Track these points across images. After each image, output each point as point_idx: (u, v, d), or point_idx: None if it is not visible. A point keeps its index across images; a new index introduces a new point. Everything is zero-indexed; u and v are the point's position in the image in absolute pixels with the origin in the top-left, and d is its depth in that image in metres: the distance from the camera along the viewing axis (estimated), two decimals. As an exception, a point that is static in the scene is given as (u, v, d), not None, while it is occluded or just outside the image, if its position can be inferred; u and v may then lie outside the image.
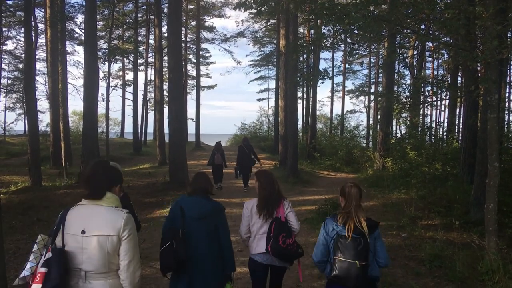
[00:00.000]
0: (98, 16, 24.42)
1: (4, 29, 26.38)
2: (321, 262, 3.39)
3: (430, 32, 10.23)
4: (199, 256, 3.55)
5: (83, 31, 17.43)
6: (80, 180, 2.50)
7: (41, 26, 23.11)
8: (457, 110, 24.45)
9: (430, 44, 19.11)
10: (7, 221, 9.07)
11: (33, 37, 13.67)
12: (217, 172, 13.59)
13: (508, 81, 24.57)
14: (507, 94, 24.98)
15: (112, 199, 2.73)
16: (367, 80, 41.77)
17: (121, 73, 38.29)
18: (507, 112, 19.03)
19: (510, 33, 9.36)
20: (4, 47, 30.22)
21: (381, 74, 27.99)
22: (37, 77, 25.69)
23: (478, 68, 9.81)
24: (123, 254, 2.61)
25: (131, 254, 2.64)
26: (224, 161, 13.73)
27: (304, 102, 32.24)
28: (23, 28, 17.46)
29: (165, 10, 23.27)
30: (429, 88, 23.53)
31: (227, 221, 3.82)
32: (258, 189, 4.19)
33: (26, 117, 20.88)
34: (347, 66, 36.05)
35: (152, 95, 32.57)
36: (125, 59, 33.60)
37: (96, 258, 2.55)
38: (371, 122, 37.41)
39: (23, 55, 20.28)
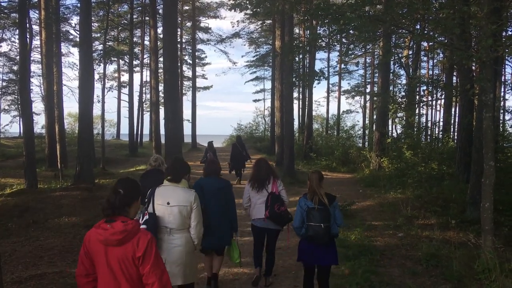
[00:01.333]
0: (93, 18, 24.29)
1: (-2, 31, 26.26)
2: (299, 227, 4.78)
3: (425, 31, 10.25)
4: (216, 220, 5.05)
5: (78, 32, 17.39)
6: (166, 170, 3.23)
7: (35, 27, 23.04)
8: (453, 109, 24.57)
9: (425, 44, 19.17)
10: (3, 223, 9.03)
11: (28, 39, 13.61)
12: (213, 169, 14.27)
13: (503, 80, 24.71)
14: (502, 93, 25.11)
15: (184, 183, 4.25)
16: (363, 80, 41.85)
17: (116, 75, 38.16)
18: (502, 111, 19.12)
19: (504, 32, 9.41)
20: (-2, 49, 30.12)
21: (377, 74, 28.09)
22: (32, 79, 25.56)
23: (473, 67, 9.85)
24: (193, 218, 4.13)
25: (198, 218, 4.16)
26: (216, 159, 13.80)
27: (300, 102, 32.27)
28: (17, 30, 17.41)
29: (160, 11, 23.25)
30: (425, 87, 23.63)
31: (234, 195, 5.39)
32: (253, 170, 5.95)
33: (21, 119, 20.82)
34: (342, 66, 36.10)
35: (148, 96, 32.61)
36: (120, 60, 33.53)
37: (177, 220, 4.04)
38: (367, 122, 37.50)
39: (18, 57, 20.23)
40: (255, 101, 44.70)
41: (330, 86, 39.29)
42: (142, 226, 3.59)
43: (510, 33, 10.26)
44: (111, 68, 37.85)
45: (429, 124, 28.64)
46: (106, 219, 2.68)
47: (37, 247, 7.60)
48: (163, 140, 15.61)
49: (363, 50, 30.90)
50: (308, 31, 24.49)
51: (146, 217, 4.03)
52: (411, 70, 19.36)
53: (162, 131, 15.05)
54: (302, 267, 5.14)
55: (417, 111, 20.56)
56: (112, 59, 28.29)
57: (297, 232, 4.85)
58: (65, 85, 21.68)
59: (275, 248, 5.88)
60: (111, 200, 2.71)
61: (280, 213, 5.53)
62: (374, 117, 26.12)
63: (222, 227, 5.17)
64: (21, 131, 20.82)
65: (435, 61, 32.26)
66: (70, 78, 39.89)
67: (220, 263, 5.50)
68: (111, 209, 2.69)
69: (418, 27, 12.50)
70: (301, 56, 27.61)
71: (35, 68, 31.67)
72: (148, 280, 2.59)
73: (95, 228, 2.68)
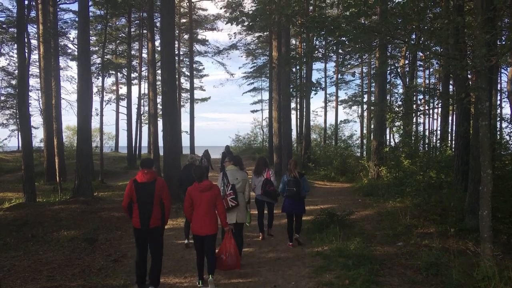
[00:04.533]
0: (91, 31, 24.50)
1: (-3, 46, 26.34)
2: (282, 190, 8.30)
3: (420, 42, 10.36)
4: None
5: (76, 46, 17.45)
6: (232, 160, 8.07)
7: (34, 42, 23.11)
8: (450, 118, 24.63)
9: (421, 54, 19.32)
10: (2, 238, 9.01)
11: (26, 53, 13.64)
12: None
13: (499, 88, 24.85)
14: (498, 102, 25.24)
15: (241, 168, 7.73)
16: (360, 90, 42.04)
17: (114, 87, 38.31)
18: (498, 119, 19.21)
19: (498, 41, 9.51)
20: (-3, 64, 30.17)
21: (373, 84, 28.23)
22: (30, 93, 25.70)
23: (469, 76, 9.93)
24: (247, 187, 7.42)
25: (248, 187, 7.48)
26: (210, 164, 17.83)
27: (298, 112, 32.36)
28: (16, 44, 17.47)
29: (158, 24, 23.40)
30: (421, 96, 23.79)
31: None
32: (255, 164, 9.21)
33: (19, 133, 20.78)
34: (339, 76, 36.27)
35: (146, 108, 32.61)
36: (118, 73, 33.68)
37: (241, 187, 7.26)
38: (364, 131, 37.54)
39: (16, 71, 20.27)
40: (253, 111, 44.82)
41: (328, 96, 39.56)
42: (230, 191, 7.04)
43: (504, 42, 10.36)
44: (109, 81, 38.18)
45: (427, 133, 28.68)
46: (198, 181, 6.14)
47: (36, 261, 7.58)
48: (161, 152, 15.62)
49: (359, 61, 31.17)
50: (304, 43, 24.66)
51: (230, 186, 7.06)
52: (407, 80, 19.49)
53: (161, 143, 15.08)
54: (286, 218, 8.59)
55: (414, 120, 20.69)
56: (110, 72, 28.33)
57: (281, 193, 8.43)
58: (63, 98, 21.80)
59: (273, 213, 9.44)
60: (201, 174, 6.21)
61: (270, 191, 8.70)
62: (372, 126, 26.18)
63: (241, 205, 7.56)
64: (20, 145, 20.77)
65: (431, 70, 32.47)
66: (69, 92, 40.23)
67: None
68: (201, 178, 6.17)
69: (413, 37, 12.64)
70: (298, 67, 27.83)
71: (34, 82, 31.81)
72: (217, 205, 6.12)
73: (194, 186, 6.16)
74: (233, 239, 6.38)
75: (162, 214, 6.03)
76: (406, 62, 20.98)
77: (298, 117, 31.99)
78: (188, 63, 37.74)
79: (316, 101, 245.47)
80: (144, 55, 31.01)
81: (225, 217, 6.29)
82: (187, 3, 34.57)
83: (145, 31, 27.94)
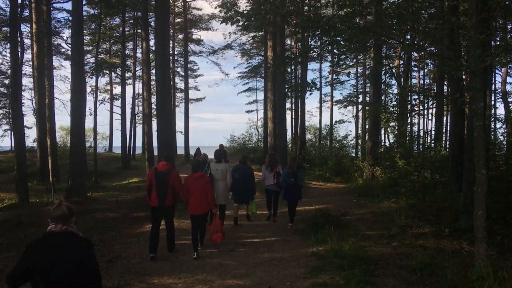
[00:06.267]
0: (85, 31, 24.37)
1: (-11, 45, 26.12)
2: (283, 182, 10.21)
3: (415, 42, 10.37)
4: (244, 189, 10.22)
5: (69, 45, 17.34)
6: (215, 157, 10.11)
7: (27, 41, 22.93)
8: (444, 118, 24.73)
9: (416, 54, 19.37)
10: (-6, 239, 8.92)
11: (19, 53, 13.57)
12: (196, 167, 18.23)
13: (493, 89, 25.00)
14: (492, 102, 25.38)
15: (225, 162, 10.46)
16: (355, 90, 42.09)
17: (108, 87, 38.06)
18: (493, 119, 19.31)
19: (493, 42, 9.54)
20: (-11, 63, 29.87)
21: (368, 84, 28.26)
22: (23, 93, 25.41)
23: (464, 76, 9.95)
24: (228, 175, 9.90)
25: (229, 175, 9.97)
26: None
27: (293, 113, 32.34)
28: (8, 44, 17.34)
29: (152, 23, 23.32)
30: (416, 97, 23.86)
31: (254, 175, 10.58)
32: (266, 160, 11.28)
33: (12, 133, 20.64)
34: (334, 76, 36.27)
35: (140, 108, 32.48)
36: (112, 73, 33.52)
37: (222, 175, 9.77)
38: (359, 131, 37.60)
39: (9, 70, 20.11)
40: (248, 112, 44.74)
41: (323, 96, 39.59)
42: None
43: (498, 42, 10.40)
44: (103, 80, 37.80)
45: (421, 133, 28.82)
46: (193, 172, 7.88)
47: (29, 262, 7.49)
48: (156, 152, 15.55)
49: (354, 61, 31.18)
50: (299, 43, 24.67)
51: (209, 175, 9.27)
52: (402, 80, 19.53)
53: (155, 143, 15.00)
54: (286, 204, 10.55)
55: (409, 120, 20.75)
56: (104, 71, 28.23)
57: (282, 184, 10.35)
58: (57, 98, 21.65)
59: (278, 201, 11.03)
60: (196, 166, 8.14)
61: (279, 182, 10.58)
62: (367, 126, 26.24)
63: (246, 193, 10.39)
64: (12, 145, 20.61)
65: (426, 70, 32.60)
66: (62, 91, 39.98)
67: (245, 208, 10.96)
68: (196, 169, 7.97)
69: (408, 37, 12.66)
70: (293, 67, 27.84)
71: (27, 81, 31.54)
72: (207, 191, 7.75)
73: (190, 175, 7.87)
74: (219, 220, 8.32)
75: (174, 196, 7.75)
76: (401, 62, 21.02)
77: (293, 117, 31.97)
78: (182, 63, 37.63)
79: (311, 101, 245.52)
80: (139, 55, 30.96)
81: (213, 200, 8.04)
82: (182, 3, 34.45)
83: (139, 31, 27.85)
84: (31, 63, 24.47)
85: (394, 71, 18.98)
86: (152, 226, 7.77)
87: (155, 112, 21.76)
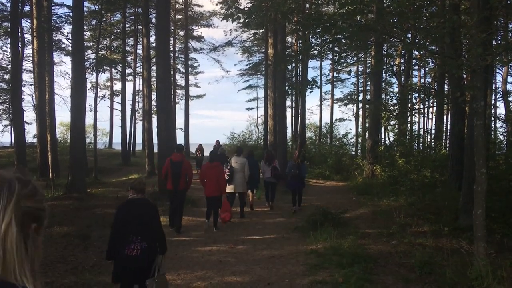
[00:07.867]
0: (85, 26, 24.32)
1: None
2: (288, 172, 11.87)
3: (416, 40, 10.36)
4: (254, 179, 11.68)
5: (70, 41, 17.27)
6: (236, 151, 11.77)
7: (27, 36, 22.88)
8: (444, 117, 24.70)
9: (417, 53, 19.34)
10: (-7, 234, 8.91)
11: (20, 48, 13.57)
12: (200, 162, 20.29)
13: (493, 88, 24.96)
14: (493, 101, 25.34)
15: (242, 157, 11.61)
16: (355, 88, 41.95)
17: (109, 83, 38.03)
18: (493, 118, 19.29)
19: (494, 41, 9.52)
20: (-10, 58, 29.80)
21: (369, 82, 28.22)
22: (23, 88, 25.34)
23: (464, 75, 9.94)
24: (246, 168, 11.00)
25: (247, 167, 11.10)
26: (202, 155, 21.69)
27: (293, 110, 32.29)
28: (9, 39, 17.34)
29: (153, 20, 23.28)
30: (416, 95, 23.82)
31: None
32: (265, 156, 12.79)
33: (12, 128, 20.64)
34: (335, 74, 36.15)
35: (141, 105, 32.46)
36: (113, 69, 33.42)
37: (241, 167, 10.93)
38: (359, 130, 37.57)
39: (10, 66, 20.08)
40: (248, 109, 44.72)
41: (323, 94, 39.48)
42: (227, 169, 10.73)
43: (499, 41, 10.39)
44: (103, 77, 37.81)
45: (421, 132, 28.76)
46: (210, 162, 10.07)
47: (28, 258, 7.50)
48: (156, 149, 15.55)
49: (355, 59, 31.10)
50: (300, 41, 24.63)
51: (230, 167, 10.74)
52: (402, 78, 19.51)
53: (155, 139, 14.99)
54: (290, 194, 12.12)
55: (409, 119, 20.72)
56: (105, 68, 28.19)
57: (287, 174, 11.85)
58: (57, 94, 21.46)
59: (275, 190, 12.58)
60: (213, 157, 10.98)
61: (275, 174, 11.99)
62: (367, 125, 26.23)
63: (253, 183, 11.83)
64: (13, 140, 20.58)
65: (426, 69, 32.51)
66: (62, 87, 40.04)
67: (251, 196, 12.20)
68: (213, 159, 10.25)
69: (409, 36, 12.64)
70: (293, 65, 27.79)
71: (27, 77, 31.44)
72: (220, 178, 9.57)
73: (206, 164, 10.19)
74: (227, 202, 9.76)
75: (186, 182, 9.40)
76: (402, 60, 21.00)
77: (293, 115, 31.90)
78: (183, 59, 37.59)
79: (312, 99, 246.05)
80: (139, 51, 30.87)
81: (224, 187, 9.83)
82: (183, -1, 34.40)
83: (140, 27, 27.77)
84: (31, 58, 24.41)
85: (394, 69, 18.95)
86: (170, 207, 9.72)
87: (155, 109, 21.76)
